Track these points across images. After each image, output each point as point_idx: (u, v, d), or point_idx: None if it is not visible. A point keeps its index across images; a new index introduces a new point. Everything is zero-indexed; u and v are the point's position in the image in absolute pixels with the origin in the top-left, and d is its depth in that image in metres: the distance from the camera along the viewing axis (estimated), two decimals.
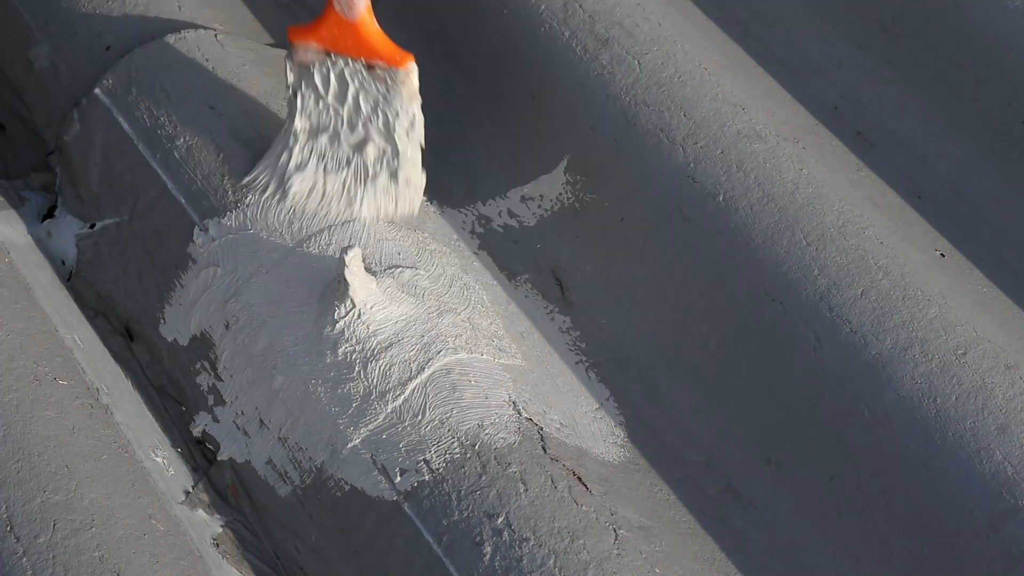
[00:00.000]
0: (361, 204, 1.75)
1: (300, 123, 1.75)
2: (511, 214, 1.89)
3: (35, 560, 1.44)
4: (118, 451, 1.59)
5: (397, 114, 1.73)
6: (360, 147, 1.75)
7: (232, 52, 1.91)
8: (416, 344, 1.64)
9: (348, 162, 1.75)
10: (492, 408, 1.62)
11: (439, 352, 1.64)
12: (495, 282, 1.83)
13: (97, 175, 1.85)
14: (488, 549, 1.52)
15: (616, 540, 1.54)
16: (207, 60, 1.88)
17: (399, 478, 1.57)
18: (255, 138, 1.81)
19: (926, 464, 1.58)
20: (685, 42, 1.91)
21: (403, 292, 1.68)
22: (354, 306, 1.63)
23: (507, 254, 1.86)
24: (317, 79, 1.73)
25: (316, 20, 1.73)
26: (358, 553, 1.59)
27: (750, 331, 1.72)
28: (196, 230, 1.75)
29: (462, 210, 1.90)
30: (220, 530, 1.63)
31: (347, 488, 1.59)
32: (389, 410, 1.60)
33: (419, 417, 1.59)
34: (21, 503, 1.48)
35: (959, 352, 1.62)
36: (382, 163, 1.75)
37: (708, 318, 1.75)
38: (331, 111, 1.74)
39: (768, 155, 1.80)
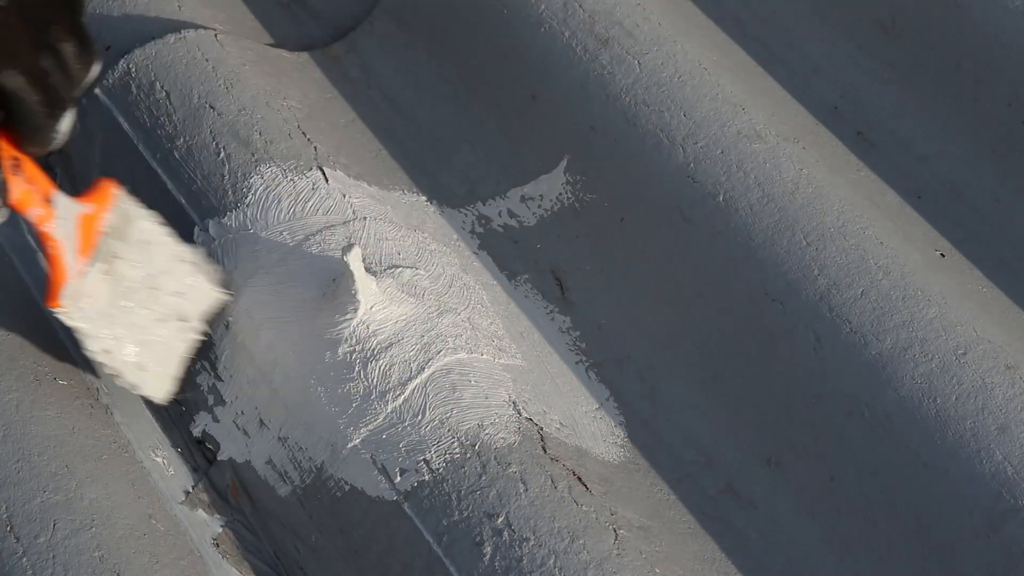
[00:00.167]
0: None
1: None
2: (511, 214, 1.89)
3: (35, 560, 1.44)
4: (118, 451, 1.59)
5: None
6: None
7: (232, 52, 1.91)
8: (416, 344, 1.64)
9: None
10: (492, 408, 1.62)
11: (439, 352, 1.64)
12: (495, 282, 1.83)
13: (97, 175, 1.84)
14: (488, 549, 1.52)
15: (616, 540, 1.54)
16: (207, 60, 1.88)
17: (399, 478, 1.57)
18: (255, 138, 1.81)
19: (926, 464, 1.58)
20: (685, 42, 1.91)
21: (403, 292, 1.68)
22: (354, 306, 1.63)
23: (507, 254, 1.86)
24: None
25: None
26: (358, 553, 1.59)
27: (750, 331, 1.72)
28: (196, 230, 1.75)
29: (462, 210, 1.90)
30: (220, 530, 1.63)
31: (347, 488, 1.59)
32: (389, 410, 1.60)
33: (419, 417, 1.59)
34: (21, 503, 1.48)
35: (959, 352, 1.62)
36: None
37: (708, 318, 1.75)
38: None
39: (768, 155, 1.80)
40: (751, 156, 1.79)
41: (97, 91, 1.86)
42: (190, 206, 1.77)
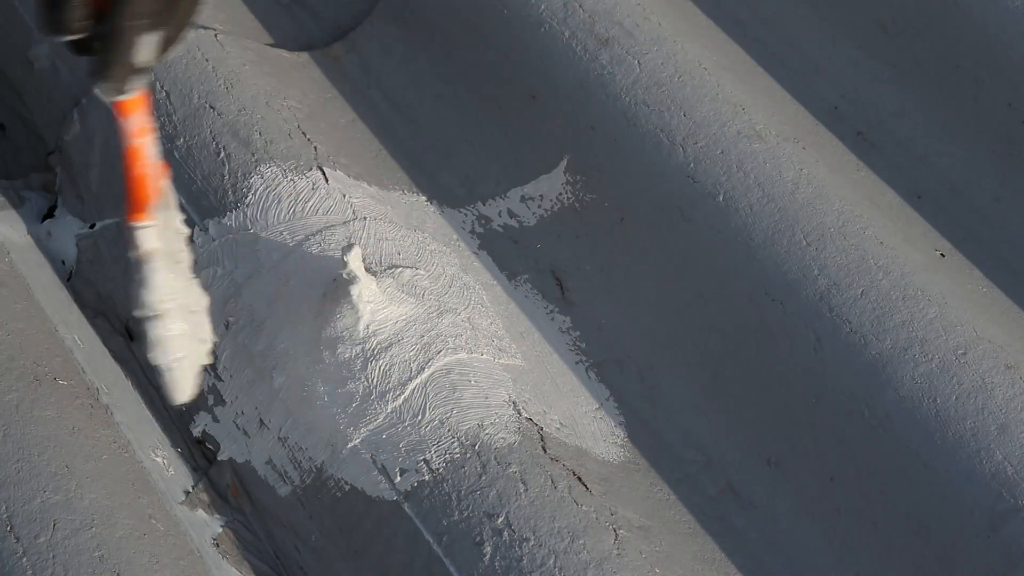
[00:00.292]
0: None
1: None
2: (511, 214, 1.89)
3: (35, 560, 1.44)
4: (118, 451, 1.59)
5: None
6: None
7: (232, 52, 1.91)
8: (416, 344, 1.64)
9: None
10: (492, 408, 1.62)
11: (439, 352, 1.64)
12: (495, 282, 1.83)
13: (97, 175, 1.85)
14: (488, 549, 1.52)
15: (616, 540, 1.54)
16: (207, 60, 1.88)
17: (399, 478, 1.57)
18: (255, 138, 1.81)
19: (926, 464, 1.58)
20: (685, 42, 1.91)
21: (403, 292, 1.68)
22: (354, 306, 1.63)
23: (507, 254, 1.86)
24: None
25: None
26: (358, 553, 1.59)
27: (750, 331, 1.72)
28: (196, 230, 1.75)
29: (462, 210, 1.90)
30: (220, 530, 1.63)
31: (347, 488, 1.59)
32: (389, 410, 1.60)
33: (419, 417, 1.59)
34: (21, 503, 1.48)
35: (959, 352, 1.62)
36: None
37: (708, 318, 1.75)
38: None
39: (768, 155, 1.80)
40: (751, 156, 1.79)
41: (97, 91, 1.86)
42: (190, 206, 1.77)
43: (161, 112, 1.83)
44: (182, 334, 1.53)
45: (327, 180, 1.79)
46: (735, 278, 1.73)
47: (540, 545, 1.51)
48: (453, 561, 1.52)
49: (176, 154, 1.80)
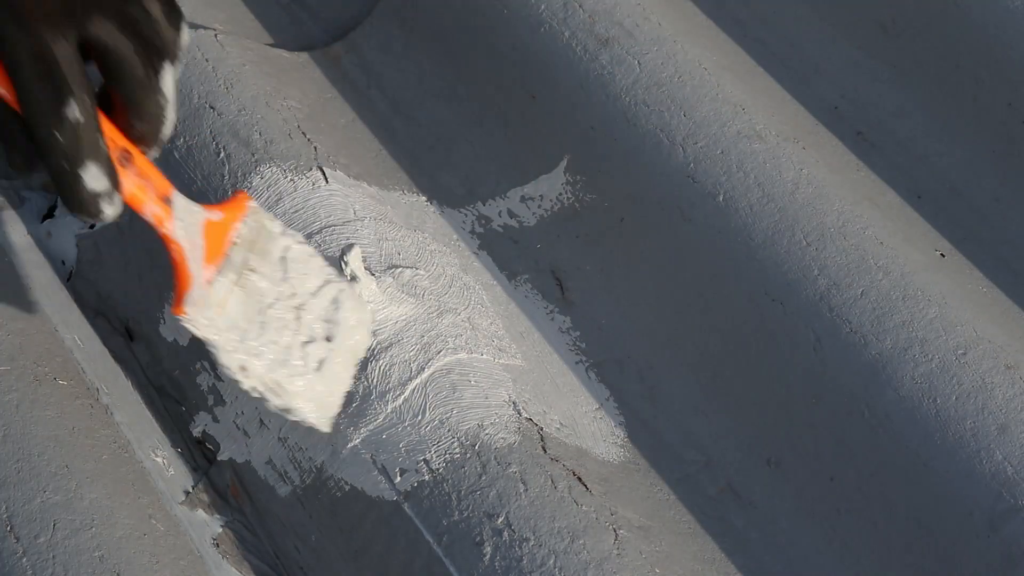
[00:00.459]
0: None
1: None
2: (511, 214, 1.89)
3: (35, 560, 1.44)
4: (118, 451, 1.59)
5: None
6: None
7: (232, 52, 1.91)
8: (416, 344, 1.64)
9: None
10: (492, 408, 1.62)
11: (439, 352, 1.64)
12: (495, 282, 1.83)
13: None
14: (488, 549, 1.52)
15: (616, 540, 1.54)
16: (207, 60, 1.88)
17: (399, 478, 1.57)
18: (255, 138, 1.81)
19: (926, 464, 1.58)
20: (685, 42, 1.91)
21: (403, 292, 1.68)
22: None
23: (507, 254, 1.86)
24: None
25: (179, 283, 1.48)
26: (358, 553, 1.59)
27: (750, 331, 1.72)
28: None
29: (462, 210, 1.90)
30: (220, 530, 1.63)
31: (347, 488, 1.59)
32: (389, 410, 1.60)
33: (419, 417, 1.59)
34: (21, 503, 1.48)
35: (959, 352, 1.62)
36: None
37: (708, 318, 1.75)
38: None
39: (768, 155, 1.80)
40: (751, 156, 1.79)
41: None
42: None
43: None
44: (299, 392, 1.50)
45: (327, 180, 1.79)
46: (735, 278, 1.73)
47: (540, 545, 1.51)
48: (453, 561, 1.52)
49: (176, 154, 1.80)
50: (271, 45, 2.04)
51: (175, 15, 1.38)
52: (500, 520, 1.53)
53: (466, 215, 1.89)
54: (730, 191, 1.77)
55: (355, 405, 1.61)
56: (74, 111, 1.28)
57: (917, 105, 1.96)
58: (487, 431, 1.59)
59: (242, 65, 1.90)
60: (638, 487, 1.67)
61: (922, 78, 1.95)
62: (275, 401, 1.51)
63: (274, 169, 1.78)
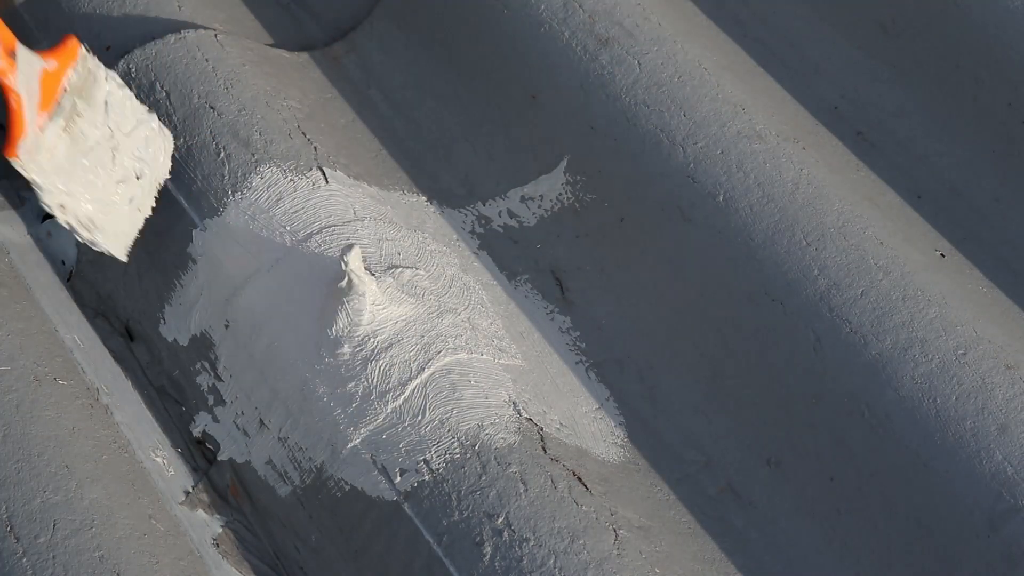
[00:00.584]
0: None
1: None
2: (511, 214, 1.89)
3: (35, 560, 1.44)
4: (118, 451, 1.59)
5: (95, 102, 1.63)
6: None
7: (232, 52, 1.91)
8: (416, 344, 1.64)
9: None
10: (492, 408, 1.62)
11: (439, 352, 1.64)
12: (495, 282, 1.83)
13: None
14: (488, 549, 1.52)
15: (616, 540, 1.54)
16: (207, 60, 1.88)
17: (399, 478, 1.57)
18: (255, 138, 1.81)
19: (926, 464, 1.58)
20: (685, 42, 1.91)
21: (403, 292, 1.68)
22: (354, 306, 1.63)
23: (507, 254, 1.86)
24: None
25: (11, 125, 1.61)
26: (358, 553, 1.59)
27: (750, 331, 1.72)
28: (196, 230, 1.75)
29: (462, 210, 1.90)
30: (220, 530, 1.63)
31: (347, 488, 1.59)
32: (389, 410, 1.60)
33: (419, 417, 1.59)
34: (21, 503, 1.48)
35: (959, 352, 1.62)
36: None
37: (708, 318, 1.75)
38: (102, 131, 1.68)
39: (768, 155, 1.80)
40: (751, 156, 1.79)
41: None
42: (190, 206, 1.77)
43: (161, 112, 1.83)
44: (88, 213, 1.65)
45: (327, 180, 1.79)
46: (735, 278, 1.73)
47: (540, 545, 1.51)
48: (453, 561, 1.52)
49: (176, 154, 1.80)
50: (271, 45, 2.04)
51: None
52: (500, 520, 1.53)
53: (466, 215, 1.89)
54: (730, 191, 1.77)
55: (355, 405, 1.61)
56: None
57: (917, 105, 1.96)
58: (487, 431, 1.59)
59: (242, 65, 1.90)
60: (638, 487, 1.67)
61: (922, 78, 1.95)
62: (84, 234, 1.68)
63: (274, 169, 1.78)
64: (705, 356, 1.74)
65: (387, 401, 1.60)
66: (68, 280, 1.83)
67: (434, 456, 1.57)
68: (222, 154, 1.79)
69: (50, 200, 1.62)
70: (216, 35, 1.92)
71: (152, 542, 1.50)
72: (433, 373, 1.62)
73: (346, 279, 1.61)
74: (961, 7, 1.94)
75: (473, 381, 1.63)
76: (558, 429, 1.66)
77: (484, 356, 1.67)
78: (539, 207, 1.88)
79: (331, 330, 1.63)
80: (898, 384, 1.61)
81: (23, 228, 1.85)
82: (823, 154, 1.86)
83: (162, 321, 1.76)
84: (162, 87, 1.84)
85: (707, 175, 1.78)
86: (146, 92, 1.84)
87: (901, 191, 1.89)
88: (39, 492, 1.49)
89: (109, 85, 1.68)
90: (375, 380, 1.61)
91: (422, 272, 1.73)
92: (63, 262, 1.84)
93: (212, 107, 1.83)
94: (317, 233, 1.72)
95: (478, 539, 1.52)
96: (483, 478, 1.56)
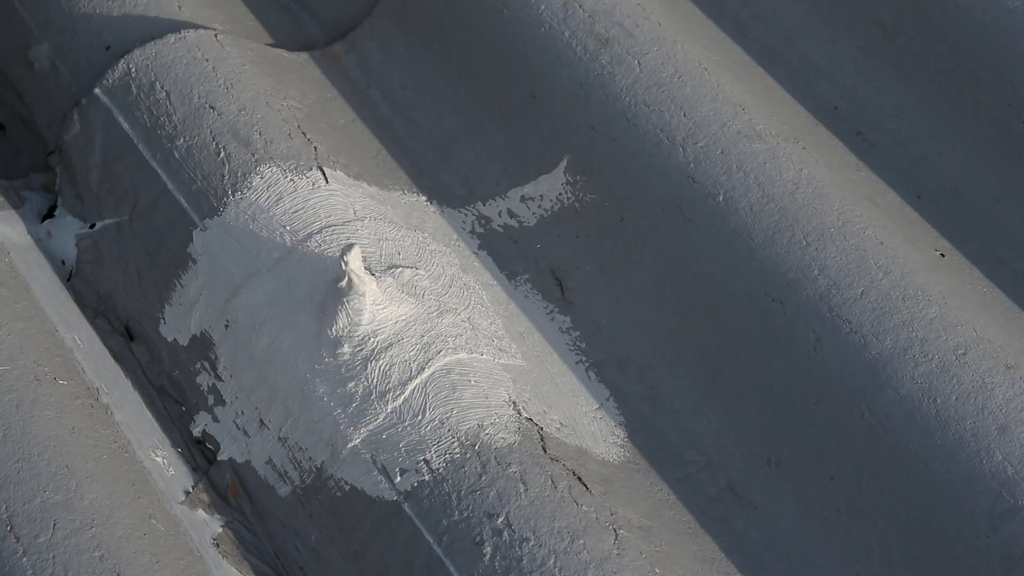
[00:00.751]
0: None
1: None
2: (511, 214, 1.89)
3: (35, 560, 1.44)
4: (118, 451, 1.59)
5: None
6: None
7: (232, 52, 1.91)
8: (416, 344, 1.64)
9: None
10: (492, 408, 1.62)
11: (439, 352, 1.64)
12: (495, 282, 1.83)
13: (97, 175, 1.85)
14: (488, 549, 1.52)
15: (616, 540, 1.54)
16: (207, 60, 1.88)
17: (399, 478, 1.57)
18: (255, 138, 1.81)
19: (926, 464, 1.58)
20: (685, 42, 1.91)
21: (403, 292, 1.68)
22: (354, 305, 1.63)
23: (507, 254, 1.86)
24: None
25: None
26: (358, 553, 1.59)
27: (750, 331, 1.72)
28: (196, 230, 1.75)
29: (462, 210, 1.90)
30: (220, 530, 1.63)
31: (347, 488, 1.59)
32: (389, 410, 1.60)
33: (419, 417, 1.59)
34: (21, 503, 1.48)
35: (959, 352, 1.62)
36: None
37: (708, 318, 1.75)
38: None
39: (768, 155, 1.80)
40: (751, 156, 1.79)
41: (97, 91, 1.86)
42: (190, 206, 1.77)
43: (161, 112, 1.83)
44: None
45: (327, 180, 1.79)
46: (735, 278, 1.73)
47: (540, 545, 1.51)
48: (453, 561, 1.52)
49: (176, 154, 1.80)
50: (271, 45, 2.04)
51: None
52: (500, 520, 1.53)
53: (466, 215, 1.89)
54: (730, 191, 1.77)
55: (355, 405, 1.61)
56: None
57: (917, 105, 1.96)
58: (487, 431, 1.59)
59: (242, 65, 1.90)
60: (638, 487, 1.67)
61: (922, 78, 1.95)
62: None
63: (274, 169, 1.78)
64: (705, 356, 1.74)
65: (387, 401, 1.60)
66: (68, 280, 1.83)
67: (434, 456, 1.57)
68: (222, 154, 1.79)
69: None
70: (216, 35, 1.92)
71: (152, 542, 1.50)
72: (433, 373, 1.62)
73: (346, 279, 1.61)
74: (961, 7, 1.94)
75: (473, 381, 1.63)
76: (558, 429, 1.66)
77: (484, 356, 1.67)
78: (539, 207, 1.88)
79: (331, 330, 1.63)
80: (898, 384, 1.61)
81: (23, 228, 1.85)
82: (823, 154, 1.86)
83: (162, 321, 1.76)
84: (162, 87, 1.84)
85: (707, 175, 1.78)
86: (146, 92, 1.84)
87: (901, 191, 1.89)
88: (39, 492, 1.49)
89: None
90: (375, 380, 1.61)
91: (422, 272, 1.73)
92: (63, 262, 1.84)
93: (212, 107, 1.83)
94: (317, 233, 1.72)
95: (478, 539, 1.52)
96: (483, 478, 1.56)
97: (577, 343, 1.80)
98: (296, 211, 1.75)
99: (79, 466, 1.53)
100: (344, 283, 1.62)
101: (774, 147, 1.81)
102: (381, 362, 1.62)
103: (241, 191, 1.76)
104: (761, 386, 1.70)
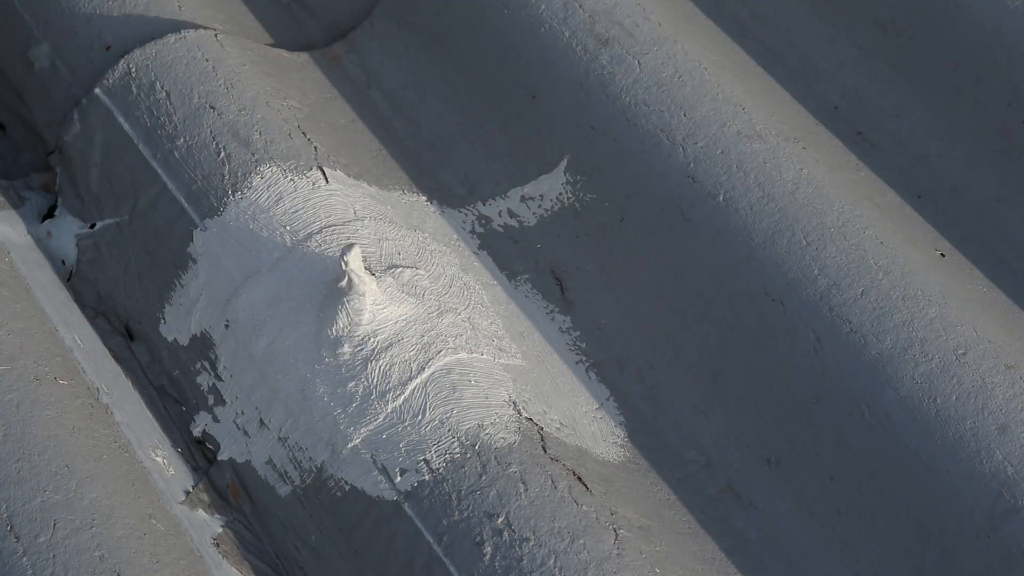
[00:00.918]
0: None
1: None
2: (511, 214, 1.89)
3: (35, 560, 1.44)
4: (118, 451, 1.59)
5: None
6: None
7: (232, 52, 1.91)
8: (416, 344, 1.64)
9: None
10: (492, 408, 1.62)
11: (439, 352, 1.64)
12: (495, 282, 1.83)
13: (97, 175, 1.85)
14: (488, 549, 1.52)
15: (616, 540, 1.54)
16: (207, 60, 1.88)
17: (399, 478, 1.57)
18: (255, 138, 1.81)
19: (926, 464, 1.58)
20: (685, 42, 1.91)
21: (403, 292, 1.68)
22: (354, 305, 1.63)
23: (507, 254, 1.86)
24: None
25: None
26: (358, 553, 1.59)
27: (750, 331, 1.72)
28: (196, 230, 1.75)
29: (462, 210, 1.90)
30: (220, 530, 1.63)
31: (347, 488, 1.59)
32: (389, 410, 1.60)
33: (419, 417, 1.59)
34: (21, 503, 1.48)
35: (959, 352, 1.62)
36: None
37: (708, 318, 1.75)
38: None
39: (768, 155, 1.80)
40: (751, 156, 1.79)
41: (97, 91, 1.86)
42: (190, 206, 1.77)
43: (161, 112, 1.83)
44: None
45: (327, 180, 1.79)
46: (735, 278, 1.73)
47: (540, 545, 1.51)
48: (453, 561, 1.52)
49: (176, 154, 1.80)
50: (271, 45, 2.04)
51: None
52: (500, 520, 1.53)
53: (466, 215, 1.89)
54: (730, 191, 1.77)
55: (355, 405, 1.61)
56: None
57: (917, 105, 1.96)
58: (487, 431, 1.59)
59: (242, 65, 1.90)
60: (638, 487, 1.67)
61: (922, 78, 1.95)
62: None
63: (274, 169, 1.78)
64: (705, 356, 1.74)
65: (387, 401, 1.60)
66: (68, 280, 1.83)
67: (434, 456, 1.57)
68: (222, 154, 1.79)
69: None
70: (216, 35, 1.92)
71: (152, 542, 1.50)
72: (433, 373, 1.62)
73: (346, 279, 1.61)
74: (961, 7, 1.94)
75: (473, 381, 1.63)
76: (558, 429, 1.66)
77: (484, 356, 1.67)
78: (539, 207, 1.88)
79: (331, 330, 1.63)
80: (898, 384, 1.61)
81: (23, 228, 1.85)
82: (823, 154, 1.86)
83: (162, 321, 1.76)
84: (162, 87, 1.84)
85: (707, 175, 1.79)
86: (146, 92, 1.84)
87: (901, 191, 1.89)
88: (39, 491, 1.49)
89: None
90: (375, 380, 1.61)
91: (422, 272, 1.73)
92: (63, 262, 1.84)
93: (212, 107, 1.83)
94: (317, 233, 1.72)
95: (478, 539, 1.52)
96: (483, 478, 1.56)
97: (577, 343, 1.80)
98: (296, 211, 1.75)
99: (79, 466, 1.53)
100: (344, 283, 1.62)
101: (774, 147, 1.81)
102: (381, 362, 1.62)
103: (241, 191, 1.76)
104: (761, 386, 1.70)
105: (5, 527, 1.46)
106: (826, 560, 1.61)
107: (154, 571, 1.47)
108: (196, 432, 1.70)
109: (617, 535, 1.55)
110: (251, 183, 1.77)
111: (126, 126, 1.84)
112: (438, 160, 1.93)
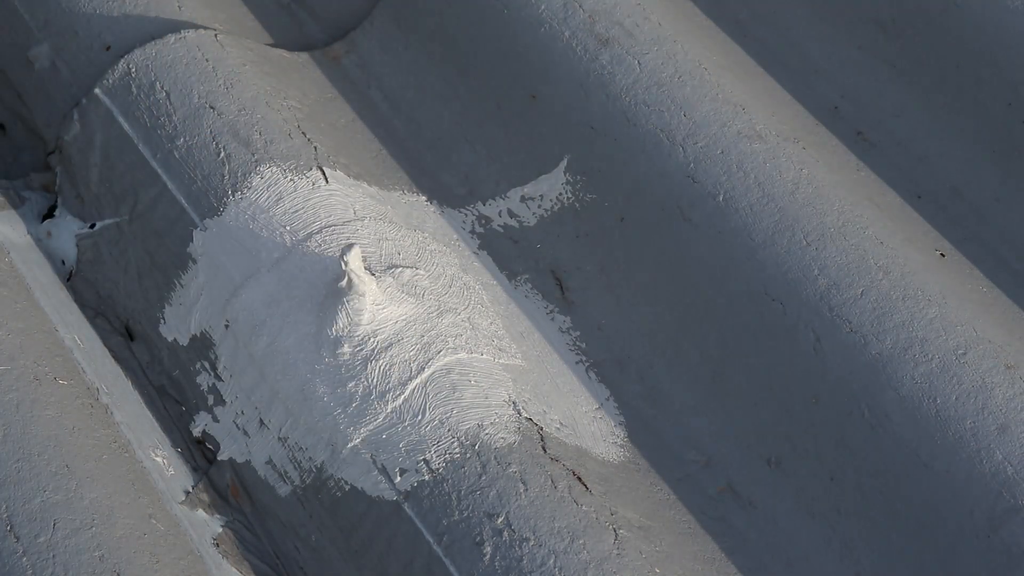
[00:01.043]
0: None
1: None
2: (511, 214, 1.89)
3: (35, 559, 1.44)
4: (118, 451, 1.59)
5: None
6: None
7: (232, 52, 1.91)
8: (416, 344, 1.64)
9: None
10: (492, 408, 1.62)
11: (439, 352, 1.64)
12: (495, 282, 1.83)
13: (97, 175, 1.85)
14: (488, 549, 1.52)
15: (616, 540, 1.54)
16: (207, 60, 1.88)
17: (399, 478, 1.57)
18: (255, 138, 1.81)
19: (926, 464, 1.58)
20: (685, 42, 1.91)
21: (403, 292, 1.68)
22: (354, 305, 1.63)
23: (507, 254, 1.86)
24: None
25: None
26: (358, 553, 1.59)
27: (750, 331, 1.72)
28: (196, 230, 1.75)
29: (462, 210, 1.90)
30: (220, 530, 1.63)
31: (347, 488, 1.59)
32: (389, 410, 1.60)
33: (419, 417, 1.59)
34: (21, 503, 1.48)
35: (959, 352, 1.62)
36: None
37: (708, 318, 1.75)
38: None
39: (768, 155, 1.80)
40: (751, 156, 1.79)
41: (97, 91, 1.86)
42: (190, 206, 1.77)
43: (161, 112, 1.83)
44: None
45: (327, 180, 1.79)
46: (735, 278, 1.73)
47: (540, 545, 1.51)
48: (453, 561, 1.52)
49: (176, 154, 1.80)
50: (271, 45, 2.04)
51: None
52: (500, 520, 1.53)
53: (466, 215, 1.89)
54: (730, 191, 1.77)
55: (355, 405, 1.61)
56: None
57: (917, 105, 1.96)
58: (487, 431, 1.59)
59: (242, 65, 1.90)
60: (638, 487, 1.67)
61: (922, 78, 1.95)
62: None
63: (274, 169, 1.78)
64: (705, 356, 1.74)
65: (387, 401, 1.60)
66: (68, 280, 1.83)
67: (434, 456, 1.57)
68: (222, 154, 1.79)
69: None
70: (216, 35, 1.92)
71: (152, 542, 1.50)
72: (433, 373, 1.62)
73: (346, 279, 1.61)
74: (961, 7, 1.94)
75: (473, 381, 1.63)
76: (558, 429, 1.66)
77: (484, 356, 1.67)
78: (539, 207, 1.88)
79: (331, 330, 1.63)
80: (898, 384, 1.61)
81: (23, 228, 1.85)
82: (823, 154, 1.86)
83: (162, 321, 1.76)
84: (162, 87, 1.85)
85: (707, 175, 1.79)
86: (146, 92, 1.84)
87: (901, 191, 1.89)
88: (39, 491, 1.49)
89: None
90: (375, 380, 1.61)
91: (422, 272, 1.73)
92: (63, 262, 1.84)
93: (212, 107, 1.83)
94: (317, 233, 1.72)
95: (478, 539, 1.52)
96: (483, 478, 1.56)
97: (577, 343, 1.80)
98: (296, 211, 1.75)
99: (79, 466, 1.53)
100: (344, 283, 1.62)
101: (774, 147, 1.81)
102: (381, 362, 1.62)
103: (241, 191, 1.76)
104: (761, 386, 1.70)
105: (5, 527, 1.46)
106: (826, 560, 1.61)
107: (154, 571, 1.47)
108: (196, 432, 1.70)
109: (617, 535, 1.55)
110: (251, 183, 1.77)
111: (126, 126, 1.84)
112: (438, 160, 1.93)
